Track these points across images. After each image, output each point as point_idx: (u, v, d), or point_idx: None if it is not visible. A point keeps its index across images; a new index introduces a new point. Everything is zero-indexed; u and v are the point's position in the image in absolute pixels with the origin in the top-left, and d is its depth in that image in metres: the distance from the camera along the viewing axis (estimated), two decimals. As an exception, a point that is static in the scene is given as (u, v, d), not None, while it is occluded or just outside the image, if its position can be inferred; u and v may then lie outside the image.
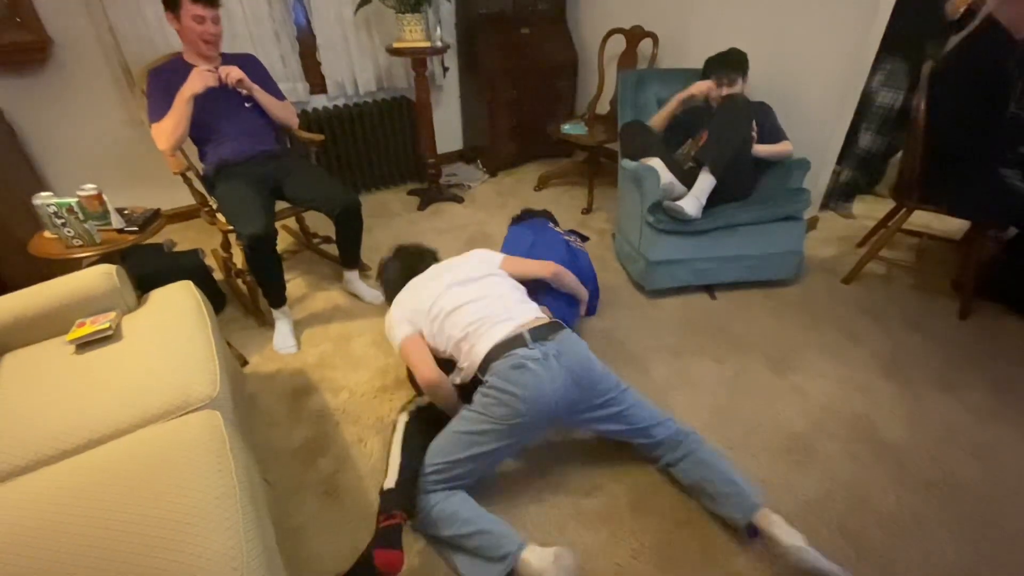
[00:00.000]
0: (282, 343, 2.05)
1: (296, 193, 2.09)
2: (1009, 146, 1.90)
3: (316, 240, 2.65)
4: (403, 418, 1.46)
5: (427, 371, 1.42)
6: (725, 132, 2.09)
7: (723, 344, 2.03)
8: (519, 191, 3.34)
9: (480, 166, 3.60)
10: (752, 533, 1.30)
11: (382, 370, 1.92)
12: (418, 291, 1.58)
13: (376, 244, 2.71)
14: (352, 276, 2.31)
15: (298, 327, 2.14)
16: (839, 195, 3.03)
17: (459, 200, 3.20)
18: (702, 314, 2.20)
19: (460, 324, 1.44)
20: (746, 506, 1.29)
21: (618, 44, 3.18)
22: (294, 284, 2.43)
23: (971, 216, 2.10)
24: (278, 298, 2.05)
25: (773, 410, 1.73)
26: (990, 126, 1.84)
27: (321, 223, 2.62)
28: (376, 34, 3.06)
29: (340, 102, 3.15)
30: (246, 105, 2.10)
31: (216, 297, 2.26)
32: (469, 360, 1.42)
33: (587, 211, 3.08)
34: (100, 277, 1.44)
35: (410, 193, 3.31)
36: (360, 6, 2.76)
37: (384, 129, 3.21)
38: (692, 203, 2.04)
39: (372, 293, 2.30)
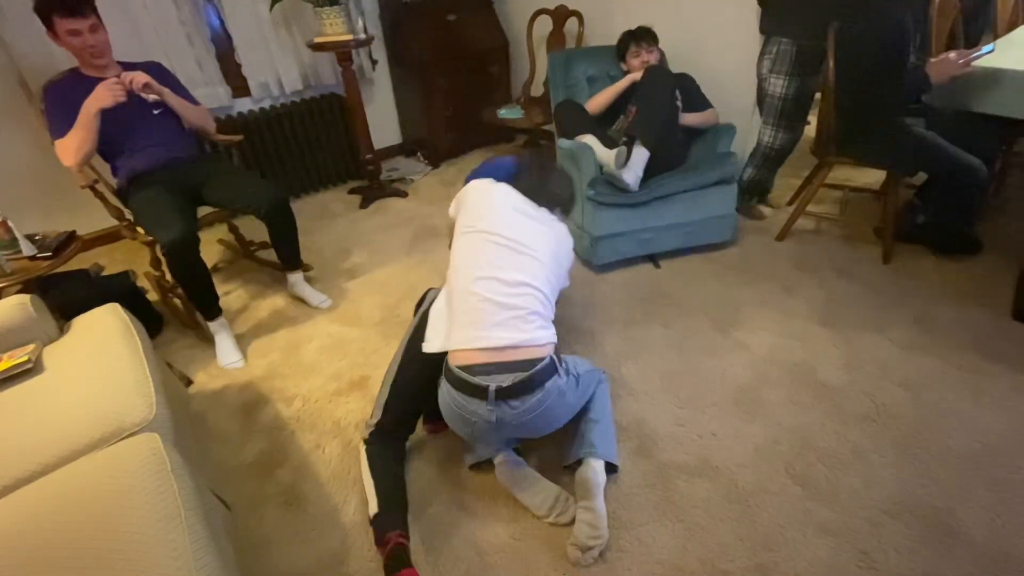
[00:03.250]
0: (226, 358, 1.98)
1: (217, 195, 2.01)
2: (910, 96, 2.02)
3: (253, 248, 2.56)
4: (362, 447, 1.43)
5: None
6: (651, 104, 2.14)
7: (669, 310, 2.10)
8: (463, 180, 3.32)
9: (421, 158, 3.55)
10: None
11: (335, 375, 1.88)
12: (494, 206, 1.40)
13: (317, 247, 2.65)
14: (296, 279, 2.24)
15: (243, 339, 2.07)
16: (746, 194, 2.66)
17: (402, 194, 3.15)
18: (648, 283, 2.26)
19: (469, 289, 1.28)
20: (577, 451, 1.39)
21: (546, 25, 3.19)
22: (235, 296, 2.34)
23: (882, 165, 2.23)
24: (210, 309, 1.97)
25: (720, 367, 1.81)
26: (892, 78, 1.95)
27: (258, 230, 2.53)
28: (296, 30, 2.96)
29: (266, 104, 3.04)
30: (155, 112, 2.00)
31: (152, 320, 2.16)
32: (443, 323, 1.34)
33: (531, 194, 3.09)
34: (14, 309, 1.35)
35: (351, 192, 3.24)
36: (275, 2, 2.66)
37: (316, 129, 3.12)
38: (630, 175, 2.08)
39: (319, 297, 2.24)
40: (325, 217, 2.99)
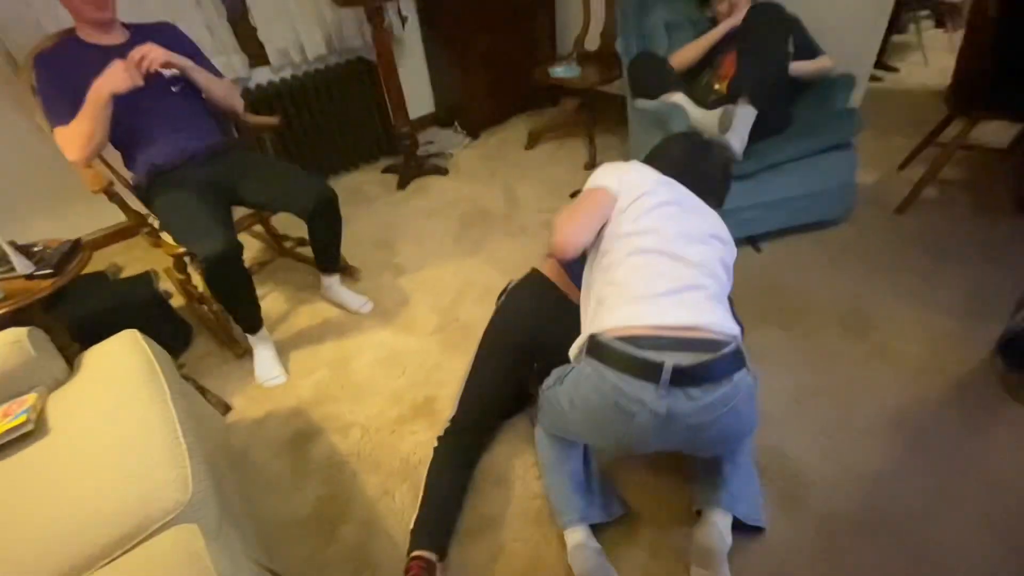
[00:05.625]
0: (266, 373, 1.70)
1: (256, 195, 1.69)
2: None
3: (288, 243, 2.25)
4: (435, 444, 1.33)
5: (578, 234, 1.11)
6: (761, 53, 1.74)
7: (786, 307, 1.74)
8: (508, 153, 2.95)
9: (458, 128, 3.17)
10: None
11: (395, 395, 1.60)
12: (658, 190, 1.12)
13: (355, 239, 2.32)
14: (332, 282, 1.93)
15: (283, 350, 1.80)
16: None
17: (443, 172, 2.80)
18: (754, 273, 1.90)
19: (634, 266, 1.03)
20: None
21: (600, -35, 2.72)
22: (270, 300, 2.06)
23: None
24: (253, 323, 1.69)
25: (864, 381, 1.47)
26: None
27: (291, 221, 2.22)
28: (317, -15, 2.56)
29: (287, 73, 2.68)
30: (173, 89, 1.67)
31: (180, 330, 1.89)
32: (590, 312, 1.08)
33: (591, 166, 2.71)
34: (6, 349, 1.07)
35: (385, 171, 2.90)
36: (292, -49, 2.26)
37: (344, 100, 2.75)
38: (736, 140, 1.70)
39: (359, 300, 1.94)
40: (360, 202, 2.66)
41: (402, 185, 2.73)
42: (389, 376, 1.66)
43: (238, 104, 1.79)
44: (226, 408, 1.62)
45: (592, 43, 2.86)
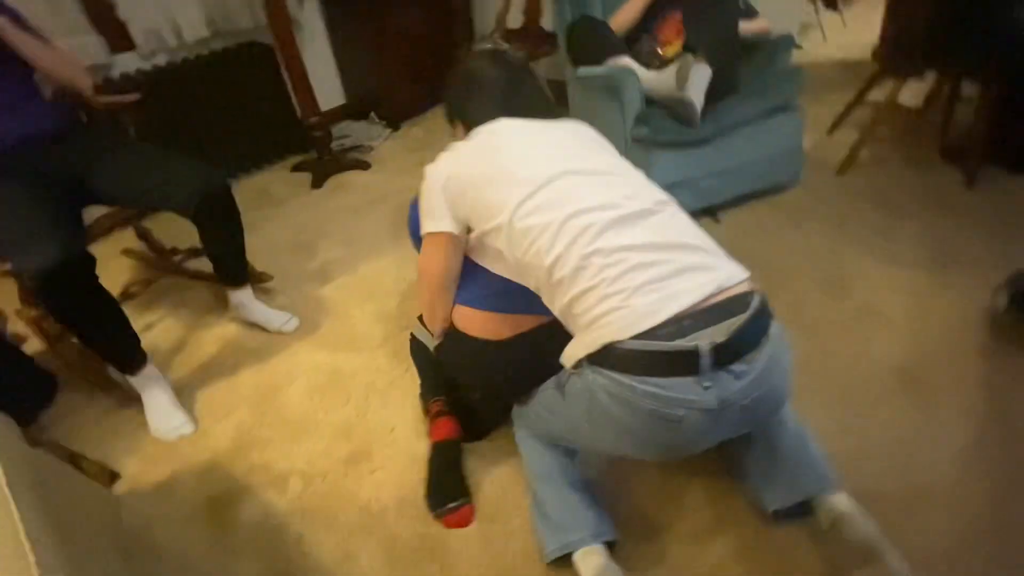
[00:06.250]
0: (163, 423, 1.34)
1: (114, 186, 1.31)
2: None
3: (177, 257, 1.83)
4: (414, 330, 1.28)
5: (442, 314, 1.04)
6: (714, 9, 1.63)
7: (760, 275, 1.61)
8: (436, 142, 2.68)
9: (376, 119, 2.85)
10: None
11: (342, 429, 1.29)
12: (503, 162, 0.91)
13: (266, 246, 1.94)
14: (243, 297, 1.57)
15: (185, 392, 1.42)
16: None
17: (365, 166, 2.48)
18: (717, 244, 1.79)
19: (610, 265, 0.77)
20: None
21: (515, -63, 2.55)
22: (161, 330, 1.65)
23: (985, 70, 1.83)
24: (128, 359, 1.31)
25: (861, 344, 1.38)
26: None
27: (179, 228, 1.82)
28: (190, -47, 2.16)
29: (161, 60, 2.24)
30: None
31: (38, 383, 1.45)
32: (579, 325, 0.81)
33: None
34: None
35: (295, 169, 2.52)
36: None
37: (236, 90, 2.35)
38: (695, 96, 1.57)
39: (280, 317, 1.60)
40: (267, 205, 2.28)
41: (317, 183, 2.38)
42: (331, 406, 1.35)
43: (82, 81, 1.38)
44: (112, 477, 1.23)
45: (515, 20, 2.67)
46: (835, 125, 2.43)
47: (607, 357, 0.75)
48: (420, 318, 1.26)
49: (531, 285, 0.89)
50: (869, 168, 2.13)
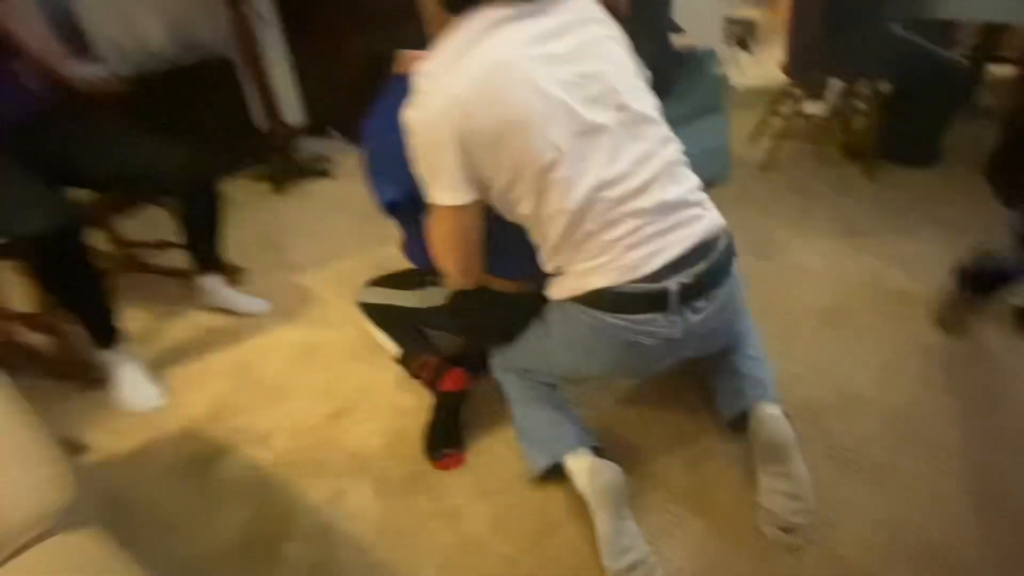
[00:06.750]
0: (137, 394, 1.32)
1: (103, 167, 1.33)
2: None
3: (143, 250, 1.81)
4: (362, 297, 1.24)
5: (468, 273, 0.91)
6: (651, 11, 1.87)
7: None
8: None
9: (338, 135, 2.94)
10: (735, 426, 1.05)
11: (324, 389, 1.32)
12: (523, 111, 0.75)
13: (233, 244, 1.91)
14: (214, 283, 1.59)
15: (157, 374, 1.40)
16: None
17: (326, 174, 2.55)
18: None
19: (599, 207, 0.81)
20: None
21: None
22: (129, 319, 1.61)
23: (871, 72, 2.17)
24: (108, 331, 1.30)
25: (792, 293, 1.58)
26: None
27: (144, 228, 1.81)
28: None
29: (124, 72, 2.26)
30: None
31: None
32: (565, 267, 0.87)
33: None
34: None
35: (256, 179, 2.55)
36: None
37: (199, 103, 2.40)
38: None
39: (253, 301, 1.63)
40: (230, 209, 2.27)
41: (279, 190, 2.42)
42: (311, 371, 1.39)
43: (59, 63, 1.36)
44: (79, 447, 1.20)
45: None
46: (756, 133, 2.75)
47: (591, 298, 0.85)
48: (369, 282, 1.24)
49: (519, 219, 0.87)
50: (787, 166, 2.43)
